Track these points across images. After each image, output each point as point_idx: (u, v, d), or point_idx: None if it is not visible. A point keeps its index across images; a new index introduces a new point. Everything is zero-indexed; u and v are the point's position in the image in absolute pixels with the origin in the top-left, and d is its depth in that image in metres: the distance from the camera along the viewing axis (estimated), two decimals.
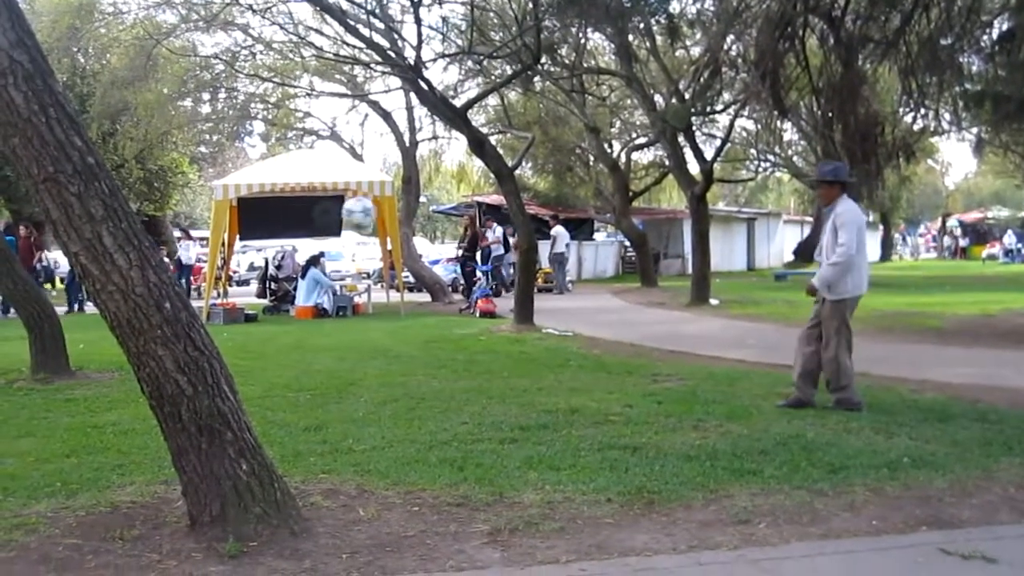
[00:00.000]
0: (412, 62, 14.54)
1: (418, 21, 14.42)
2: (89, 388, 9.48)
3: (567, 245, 26.01)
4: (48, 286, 22.11)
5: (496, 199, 29.77)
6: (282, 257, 20.87)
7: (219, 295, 19.83)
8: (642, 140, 30.37)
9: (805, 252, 39.58)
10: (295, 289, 19.47)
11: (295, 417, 7.50)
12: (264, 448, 4.79)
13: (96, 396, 8.95)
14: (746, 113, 23.72)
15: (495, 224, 23.99)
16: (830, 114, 17.29)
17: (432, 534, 4.59)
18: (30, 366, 10.33)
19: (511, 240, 21.65)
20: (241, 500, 4.48)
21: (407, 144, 25.40)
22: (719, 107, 22.04)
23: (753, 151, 33.08)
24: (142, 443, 6.68)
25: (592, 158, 31.05)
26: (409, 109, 25.45)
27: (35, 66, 4.22)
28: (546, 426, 6.97)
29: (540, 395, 8.42)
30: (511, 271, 22.73)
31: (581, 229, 34.46)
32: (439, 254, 32.14)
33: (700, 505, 5.01)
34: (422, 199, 33.65)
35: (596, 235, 38.72)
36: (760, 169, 37.39)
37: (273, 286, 20.68)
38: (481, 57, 17.35)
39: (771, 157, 34.02)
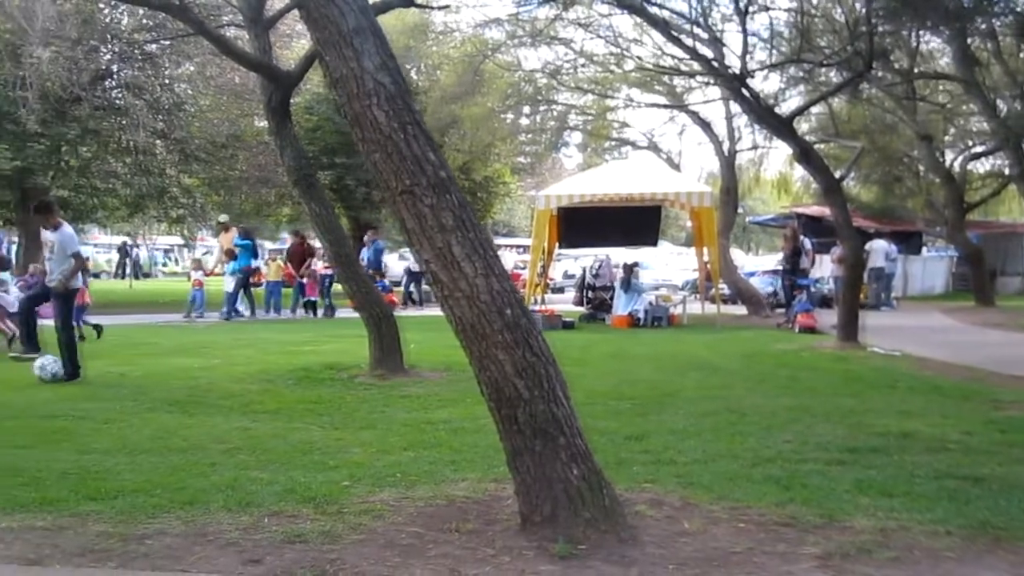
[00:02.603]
0: (737, 71, 14.37)
1: (744, 30, 14.23)
2: (422, 386, 10.07)
3: (893, 260, 24.77)
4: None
5: (816, 211, 28.85)
6: (599, 266, 21.22)
7: (537, 302, 20.44)
8: (980, 148, 28.40)
9: None
10: (611, 298, 19.75)
11: (617, 425, 7.61)
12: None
13: (428, 394, 9.50)
14: None
15: (803, 238, 23.27)
16: None
17: (760, 553, 4.50)
18: (369, 363, 11.10)
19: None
20: (571, 504, 4.60)
21: (726, 154, 25.13)
22: None
23: None
24: (472, 441, 7.02)
25: (922, 168, 29.37)
26: (729, 119, 25.18)
27: (396, 87, 4.55)
28: (876, 449, 6.67)
29: (868, 416, 8.08)
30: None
31: (908, 243, 32.64)
32: (755, 266, 31.55)
33: None
34: (739, 210, 33.15)
35: (923, 249, 36.55)
36: None
37: (590, 294, 21.06)
38: (810, 65, 16.85)
39: None
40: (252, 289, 22.18)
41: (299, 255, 22.52)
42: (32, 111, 22.21)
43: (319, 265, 22.47)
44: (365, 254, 24.91)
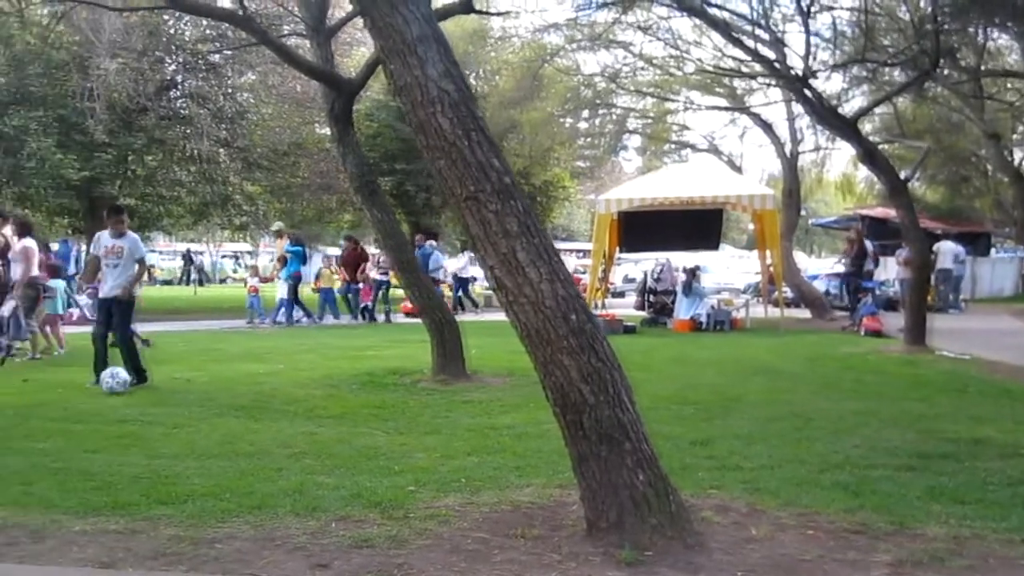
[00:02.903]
0: (799, 72, 14.22)
1: (807, 30, 14.07)
2: (484, 392, 10.08)
3: (961, 262, 24.33)
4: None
5: (881, 212, 28.42)
6: (661, 270, 21.09)
7: (598, 306, 20.35)
8: None
9: None
10: (673, 302, 19.63)
11: (681, 430, 7.56)
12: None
13: (491, 399, 9.50)
14: None
15: (866, 240, 22.95)
16: None
17: (830, 560, 4.44)
18: (431, 368, 11.13)
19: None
20: (638, 510, 4.58)
21: (788, 155, 24.87)
22: None
23: None
24: (536, 447, 7.01)
25: (990, 167, 28.82)
26: (791, 120, 24.93)
27: (460, 94, 4.57)
28: (947, 455, 6.55)
29: (938, 422, 7.93)
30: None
31: (976, 244, 31.91)
32: (817, 269, 31.17)
33: None
34: (801, 212, 32.80)
35: (992, 250, 35.72)
36: None
37: (652, 298, 20.93)
38: (874, 65, 16.60)
39: None
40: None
41: (353, 260, 22.60)
42: (100, 122, 22.68)
43: (374, 271, 22.57)
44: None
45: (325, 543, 4.80)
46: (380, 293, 22.18)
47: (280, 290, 21.48)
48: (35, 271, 13.01)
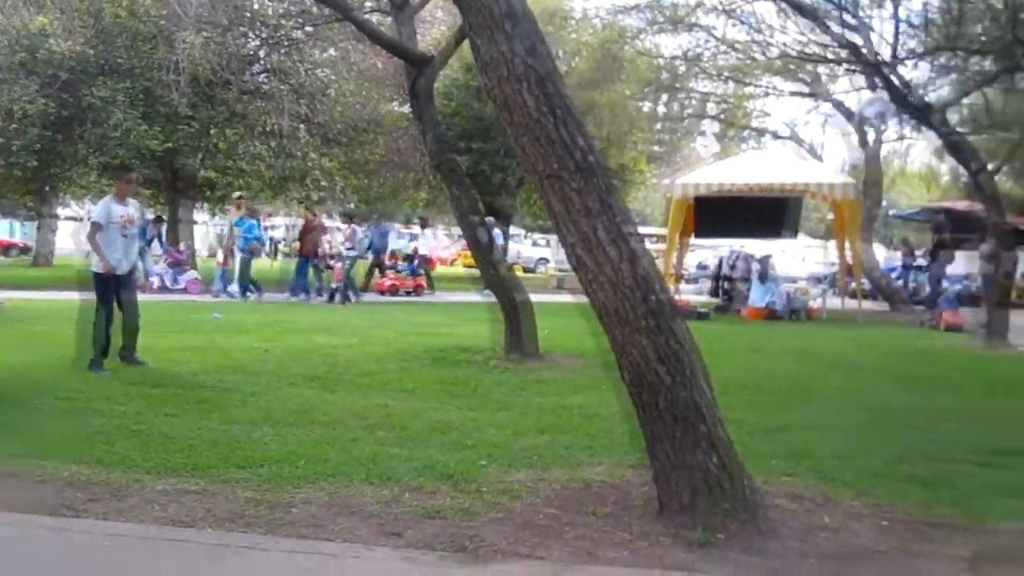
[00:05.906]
0: (885, 59, 13.94)
1: (896, 17, 13.78)
2: (555, 371, 10.08)
3: None
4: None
5: (965, 206, 27.76)
6: (736, 257, 20.89)
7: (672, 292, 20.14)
8: None
9: None
10: (748, 290, 19.45)
11: (754, 417, 7.49)
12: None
13: (562, 379, 9.51)
14: None
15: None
16: None
17: (904, 552, 4.40)
18: (503, 347, 11.14)
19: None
20: (711, 492, 4.57)
21: (869, 145, 24.41)
22: None
23: None
24: (606, 427, 7.01)
25: None
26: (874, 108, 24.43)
27: (546, 71, 4.57)
28: None
29: (1016, 418, 7.80)
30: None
31: None
32: (896, 262, 30.59)
33: None
34: (882, 203, 32.16)
35: None
36: None
37: (726, 285, 20.75)
38: (963, 53, 16.17)
39: None
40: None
41: (309, 233, 21.83)
42: (183, 95, 23.05)
43: (333, 246, 21.77)
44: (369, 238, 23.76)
45: (397, 512, 4.87)
46: (347, 268, 21.05)
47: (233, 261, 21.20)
48: None
